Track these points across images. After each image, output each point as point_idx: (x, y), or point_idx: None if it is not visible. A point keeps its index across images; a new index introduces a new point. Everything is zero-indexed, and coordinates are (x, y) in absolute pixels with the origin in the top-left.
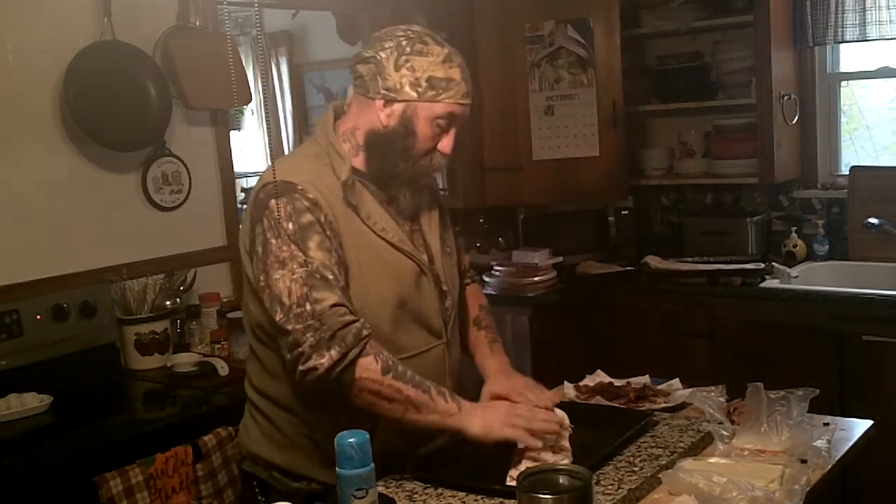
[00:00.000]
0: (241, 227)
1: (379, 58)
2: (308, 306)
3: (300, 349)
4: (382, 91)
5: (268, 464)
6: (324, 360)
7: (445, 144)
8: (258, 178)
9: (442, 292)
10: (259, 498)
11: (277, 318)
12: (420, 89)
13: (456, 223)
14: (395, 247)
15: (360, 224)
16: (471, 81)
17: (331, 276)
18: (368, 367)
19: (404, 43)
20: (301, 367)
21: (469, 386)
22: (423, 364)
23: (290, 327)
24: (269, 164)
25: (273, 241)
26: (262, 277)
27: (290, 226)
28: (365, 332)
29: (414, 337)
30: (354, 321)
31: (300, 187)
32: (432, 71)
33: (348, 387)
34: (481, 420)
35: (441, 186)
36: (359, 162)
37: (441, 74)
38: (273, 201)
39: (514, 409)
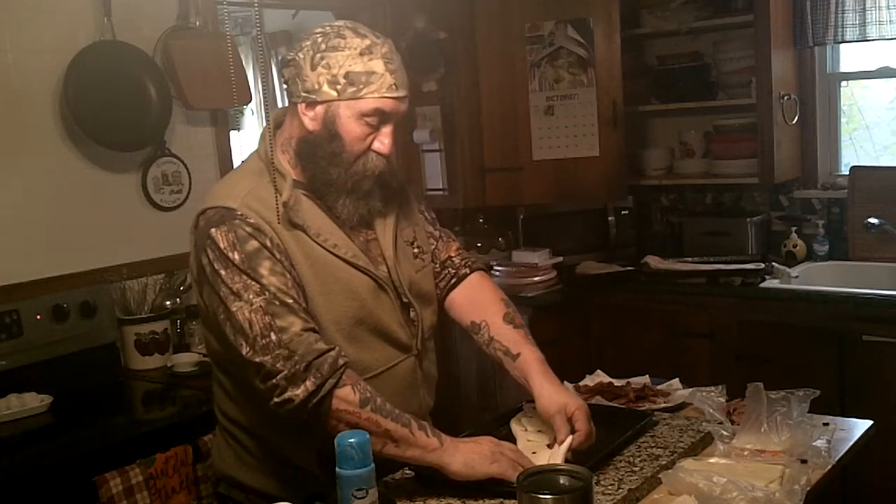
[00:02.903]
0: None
1: (297, 59)
2: (274, 336)
3: (274, 381)
4: (302, 94)
5: (244, 487)
6: (299, 392)
7: (381, 144)
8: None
9: (403, 304)
10: None
11: (244, 352)
12: (339, 87)
13: (457, 223)
14: (349, 263)
15: (310, 242)
16: (402, 72)
17: (290, 300)
18: (346, 398)
19: (320, 40)
20: (276, 399)
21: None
22: (392, 380)
23: (258, 360)
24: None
25: (223, 272)
26: (220, 310)
27: (237, 255)
28: (341, 362)
29: (378, 354)
30: (329, 349)
31: (239, 213)
32: (349, 66)
33: (325, 418)
34: (463, 457)
35: (440, 186)
36: (299, 174)
37: (360, 68)
38: (214, 230)
39: (498, 446)
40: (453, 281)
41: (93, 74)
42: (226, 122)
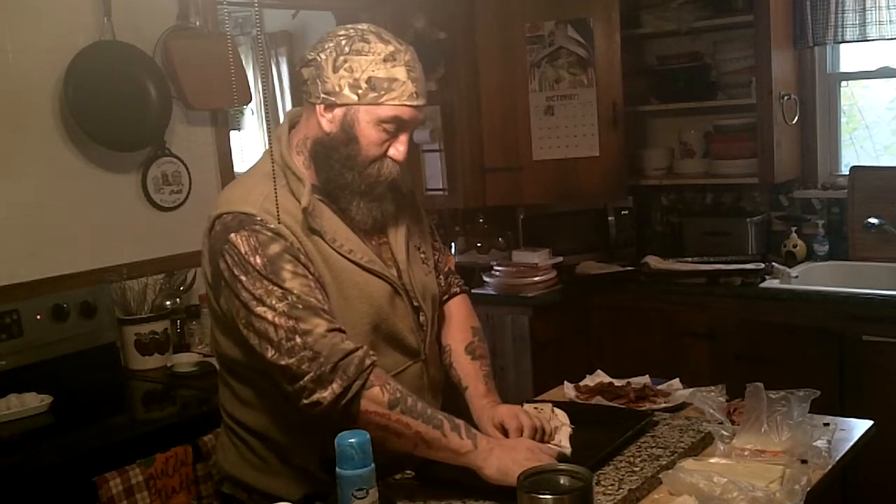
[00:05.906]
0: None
1: (319, 60)
2: (298, 339)
3: (301, 383)
4: (322, 95)
5: (247, 487)
6: (326, 394)
7: (396, 151)
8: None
9: (415, 308)
10: None
11: (269, 356)
12: (360, 91)
13: (457, 223)
14: (364, 268)
15: (327, 248)
16: (423, 80)
17: (314, 301)
18: (374, 399)
19: (343, 42)
20: (305, 401)
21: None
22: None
23: (283, 363)
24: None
25: (243, 278)
26: (241, 316)
27: (258, 259)
28: (368, 361)
29: (389, 359)
30: (355, 350)
31: (259, 218)
32: (372, 71)
33: (354, 419)
34: (498, 461)
35: (440, 186)
36: (312, 176)
37: (382, 74)
38: (233, 235)
39: (535, 453)
40: (445, 297)
41: (93, 74)
42: (226, 122)
